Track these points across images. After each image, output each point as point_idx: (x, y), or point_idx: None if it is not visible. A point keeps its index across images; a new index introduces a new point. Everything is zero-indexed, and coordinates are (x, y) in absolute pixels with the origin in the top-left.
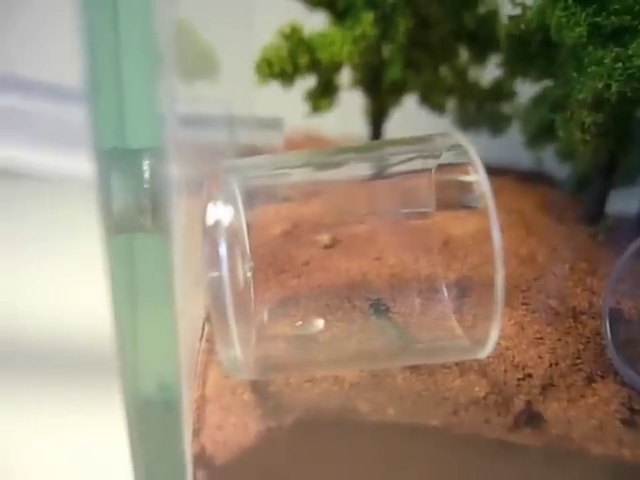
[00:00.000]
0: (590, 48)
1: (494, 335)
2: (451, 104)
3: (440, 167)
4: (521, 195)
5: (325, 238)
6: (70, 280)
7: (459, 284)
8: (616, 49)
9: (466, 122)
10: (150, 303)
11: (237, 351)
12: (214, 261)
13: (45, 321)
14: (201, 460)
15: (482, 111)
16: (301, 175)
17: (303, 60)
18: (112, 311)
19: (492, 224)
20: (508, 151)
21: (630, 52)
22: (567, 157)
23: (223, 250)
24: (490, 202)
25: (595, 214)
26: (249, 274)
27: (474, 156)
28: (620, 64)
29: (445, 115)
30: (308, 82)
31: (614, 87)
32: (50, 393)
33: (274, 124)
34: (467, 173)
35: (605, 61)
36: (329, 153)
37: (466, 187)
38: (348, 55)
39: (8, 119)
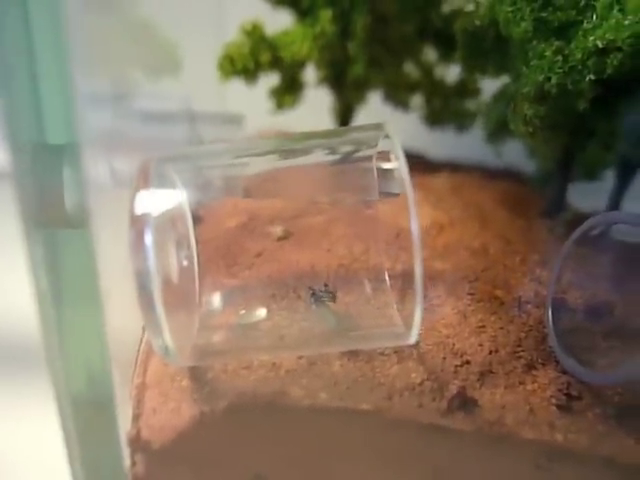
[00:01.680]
0: (534, 42)
1: (417, 322)
2: (417, 100)
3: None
4: (483, 190)
5: (278, 230)
6: None
7: (405, 275)
8: (556, 42)
9: (432, 119)
10: (74, 298)
11: (167, 340)
12: (139, 251)
13: None
14: (138, 444)
15: (448, 108)
16: (256, 165)
17: (265, 57)
18: (37, 307)
19: (410, 211)
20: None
21: (572, 46)
22: (532, 153)
23: (149, 240)
24: (409, 189)
25: (555, 208)
26: (185, 263)
27: (397, 144)
28: (560, 57)
29: (411, 111)
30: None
31: (554, 79)
32: None
33: (235, 120)
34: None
35: (546, 54)
36: (279, 142)
37: (390, 174)
38: (308, 52)
39: None
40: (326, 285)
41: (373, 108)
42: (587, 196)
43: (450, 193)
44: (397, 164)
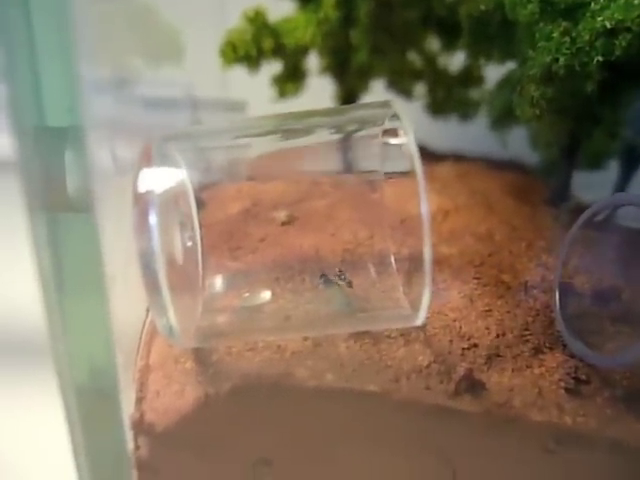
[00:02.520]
0: (541, 24)
1: (425, 303)
2: (420, 89)
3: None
4: (490, 179)
5: (282, 215)
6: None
7: (411, 259)
8: (564, 23)
9: (435, 108)
10: (78, 284)
11: (172, 321)
12: (143, 230)
13: None
14: (142, 427)
15: (451, 97)
16: (259, 145)
17: (267, 44)
18: (40, 293)
19: (420, 188)
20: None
21: (580, 27)
22: (536, 142)
23: (153, 219)
24: (418, 165)
25: (560, 196)
26: (189, 243)
27: (405, 120)
28: (567, 38)
29: (414, 100)
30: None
31: (561, 60)
32: None
33: (238, 107)
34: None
35: (553, 35)
36: (283, 121)
37: (396, 151)
38: (311, 39)
39: None
40: (341, 271)
41: (376, 96)
42: (588, 189)
43: (455, 180)
44: (405, 139)
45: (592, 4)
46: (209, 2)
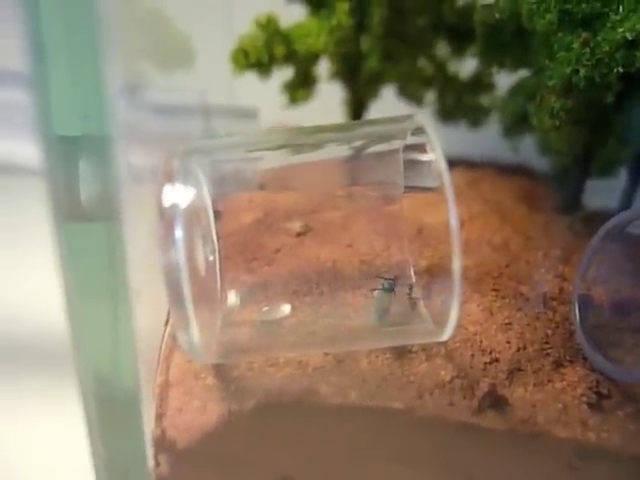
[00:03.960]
0: (560, 34)
1: (453, 319)
2: (430, 96)
3: (406, 148)
4: (501, 186)
5: (297, 226)
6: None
7: (430, 271)
8: (584, 34)
9: (445, 114)
10: (102, 293)
11: (195, 336)
12: (169, 244)
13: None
14: (163, 444)
15: (461, 103)
16: (273, 158)
17: (279, 50)
18: (65, 302)
19: (449, 203)
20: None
21: (599, 38)
22: (547, 149)
23: (179, 233)
24: (447, 181)
25: (573, 204)
26: (211, 258)
27: (432, 137)
28: (588, 49)
29: (424, 107)
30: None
31: (582, 72)
32: (6, 385)
33: (250, 113)
34: (426, 153)
35: (573, 46)
36: (299, 135)
37: (426, 168)
38: (324, 45)
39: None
40: (394, 278)
41: (386, 103)
42: (596, 195)
43: (467, 188)
44: (432, 156)
45: (612, 15)
46: (218, 8)
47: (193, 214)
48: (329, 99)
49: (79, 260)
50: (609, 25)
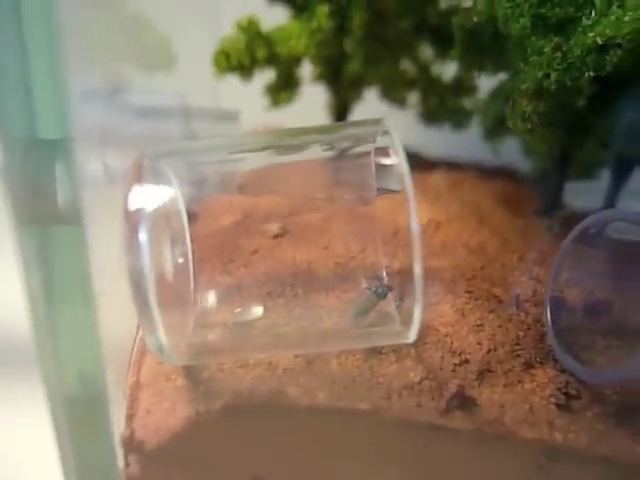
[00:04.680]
0: (533, 39)
1: (417, 320)
2: (413, 98)
3: (377, 151)
4: (482, 188)
5: (275, 228)
6: None
7: (403, 274)
8: (556, 39)
9: (428, 116)
10: (67, 296)
11: (162, 339)
12: (134, 248)
13: None
14: (132, 445)
15: (444, 105)
16: (251, 160)
17: (261, 53)
18: (28, 306)
19: (410, 206)
20: None
21: (572, 42)
22: (529, 152)
23: (143, 236)
24: (409, 185)
25: (552, 206)
26: (181, 260)
27: (396, 140)
28: (559, 53)
29: (408, 109)
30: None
31: (553, 76)
32: None
33: (231, 116)
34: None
35: (545, 50)
36: (274, 137)
37: (388, 170)
38: (304, 48)
39: None
40: (389, 285)
41: (369, 105)
42: (580, 196)
43: (447, 191)
44: (396, 160)
45: (583, 19)
46: (204, 11)
47: (163, 216)
48: (313, 101)
49: (43, 262)
50: (580, 30)
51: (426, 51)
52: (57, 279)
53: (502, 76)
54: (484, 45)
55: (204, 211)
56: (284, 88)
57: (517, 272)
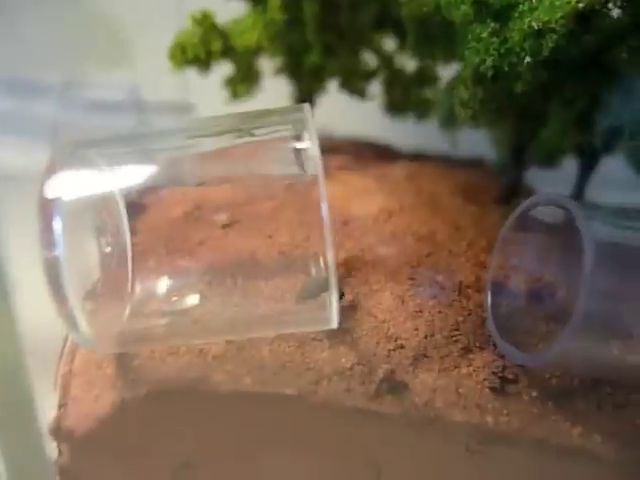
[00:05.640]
0: (474, 26)
1: (334, 307)
2: (375, 89)
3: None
4: (440, 179)
5: (223, 218)
6: None
7: (346, 264)
8: (492, 24)
9: (393, 107)
10: None
11: (82, 328)
12: (48, 239)
13: None
14: (62, 433)
15: (408, 97)
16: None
17: (216, 46)
18: None
19: (321, 192)
20: None
21: (509, 28)
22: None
23: (58, 225)
24: (320, 172)
25: (511, 194)
26: (108, 249)
27: (310, 125)
28: (495, 39)
29: (370, 100)
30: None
31: (488, 61)
32: None
33: (185, 108)
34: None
35: (483, 37)
36: (203, 125)
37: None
38: (258, 41)
39: None
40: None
41: (332, 97)
42: (553, 185)
43: (405, 181)
44: (309, 144)
45: (520, 5)
46: (167, 5)
47: (84, 206)
48: (276, 94)
49: None
50: (517, 15)
51: (389, 43)
52: None
53: (459, 66)
54: (434, 34)
55: (156, 202)
56: (243, 81)
57: (463, 259)
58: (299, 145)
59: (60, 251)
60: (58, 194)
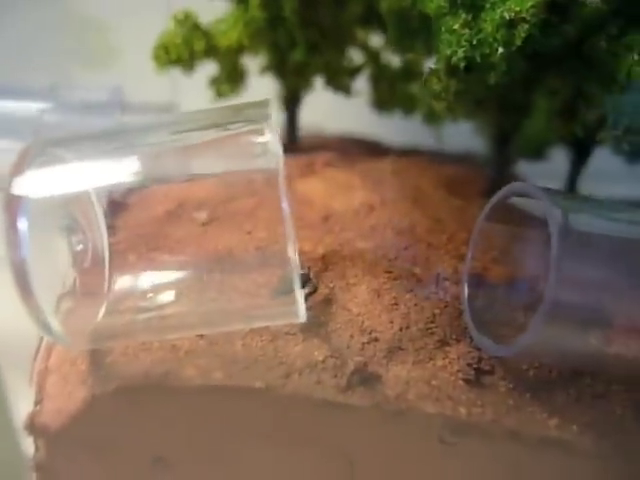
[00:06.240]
0: (448, 18)
1: (299, 300)
2: (361, 85)
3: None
4: (425, 173)
5: (203, 215)
6: None
7: (325, 257)
8: (464, 16)
9: (380, 103)
10: None
11: (51, 325)
12: (14, 238)
13: None
14: (37, 429)
15: (394, 92)
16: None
17: (199, 46)
18: None
19: (280, 187)
20: None
21: (482, 19)
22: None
23: (23, 224)
24: (280, 165)
25: (496, 187)
26: (80, 247)
27: (271, 120)
28: (467, 30)
29: (356, 96)
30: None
31: (460, 53)
32: None
33: (166, 108)
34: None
35: (455, 28)
36: (175, 121)
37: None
38: (239, 39)
39: None
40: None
41: (318, 94)
42: (547, 179)
43: (390, 176)
44: (270, 138)
45: None
46: (156, 6)
47: (54, 204)
48: (262, 92)
49: None
50: (489, 6)
51: (375, 39)
52: None
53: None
54: (413, 28)
55: (139, 201)
56: (227, 80)
57: (443, 251)
58: (261, 139)
59: (25, 251)
60: (24, 192)
